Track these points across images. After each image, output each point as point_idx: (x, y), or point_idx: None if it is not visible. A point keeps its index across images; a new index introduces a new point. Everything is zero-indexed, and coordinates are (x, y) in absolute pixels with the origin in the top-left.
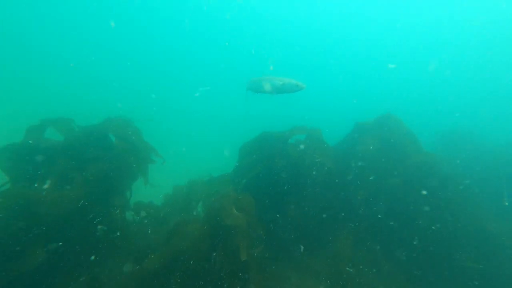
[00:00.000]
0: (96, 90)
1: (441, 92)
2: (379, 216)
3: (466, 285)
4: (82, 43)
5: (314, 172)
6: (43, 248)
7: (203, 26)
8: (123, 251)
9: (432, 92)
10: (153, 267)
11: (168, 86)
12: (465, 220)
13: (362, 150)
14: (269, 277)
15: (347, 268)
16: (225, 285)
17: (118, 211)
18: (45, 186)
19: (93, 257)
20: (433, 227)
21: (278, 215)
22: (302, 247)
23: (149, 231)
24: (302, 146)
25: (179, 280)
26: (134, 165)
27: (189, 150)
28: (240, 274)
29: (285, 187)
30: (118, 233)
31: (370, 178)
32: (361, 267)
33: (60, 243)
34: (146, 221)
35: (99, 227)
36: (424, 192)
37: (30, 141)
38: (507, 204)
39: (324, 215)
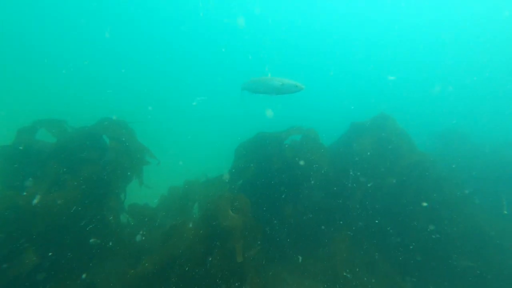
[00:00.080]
0: (95, 91)
1: (439, 92)
2: (375, 217)
3: (463, 285)
4: (80, 44)
5: (309, 173)
6: (35, 253)
7: (200, 31)
8: (118, 255)
9: (429, 93)
10: (149, 271)
11: (166, 86)
12: (460, 220)
13: (357, 150)
14: (266, 279)
15: (344, 273)
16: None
17: (111, 217)
18: (37, 190)
19: (87, 262)
20: (428, 228)
21: (274, 217)
22: (298, 250)
23: (144, 234)
24: (298, 147)
25: (175, 283)
26: (128, 167)
27: (188, 150)
28: (236, 276)
29: (281, 189)
30: (112, 238)
31: (366, 179)
32: (357, 269)
33: (53, 248)
34: (141, 223)
35: (92, 239)
36: (420, 193)
37: (21, 144)
38: (505, 212)
39: (320, 217)
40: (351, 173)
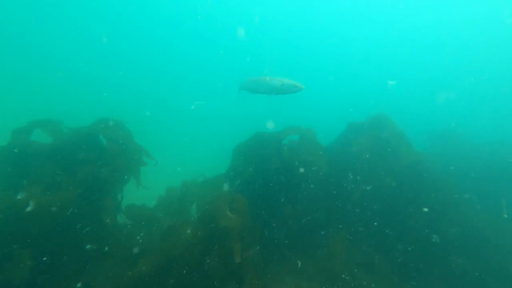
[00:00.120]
0: (91, 92)
1: (436, 92)
2: (374, 217)
3: (462, 286)
4: (78, 45)
5: (307, 174)
6: (30, 256)
7: (198, 33)
8: (115, 256)
9: (434, 101)
10: (146, 272)
11: (165, 88)
12: (458, 220)
13: (355, 151)
14: (264, 280)
15: (343, 275)
16: None
17: (108, 218)
18: (32, 192)
19: (84, 264)
20: (427, 229)
21: (272, 217)
22: (297, 250)
23: (142, 235)
24: (296, 147)
25: (173, 284)
26: (126, 168)
27: (187, 151)
28: (235, 277)
29: (279, 189)
30: (109, 240)
31: (364, 180)
32: (356, 270)
33: (48, 251)
34: (138, 224)
35: (88, 241)
36: (418, 194)
37: (16, 145)
38: (506, 216)
39: (319, 217)
40: (349, 174)
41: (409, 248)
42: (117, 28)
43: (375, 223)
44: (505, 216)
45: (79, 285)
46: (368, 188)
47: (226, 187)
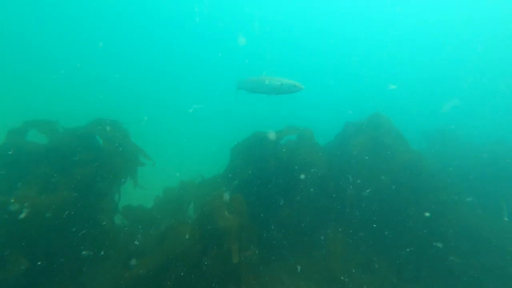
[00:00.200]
0: (88, 94)
1: (441, 97)
2: (372, 217)
3: (459, 285)
4: (74, 46)
5: (305, 174)
6: (26, 258)
7: (196, 35)
8: (112, 257)
9: (426, 92)
10: (144, 273)
11: (162, 89)
12: (456, 220)
13: (352, 150)
14: (262, 280)
15: (341, 276)
16: None
17: (105, 220)
18: (27, 193)
19: (80, 266)
20: (424, 229)
21: (270, 217)
22: (295, 251)
23: (139, 236)
24: (293, 147)
25: (170, 285)
26: (122, 168)
27: (184, 151)
28: (233, 278)
29: (277, 189)
30: (106, 241)
31: (361, 180)
32: (353, 271)
33: (44, 253)
34: (135, 225)
35: (85, 243)
36: (415, 193)
37: (11, 145)
38: (506, 219)
39: (317, 217)
40: (346, 174)
41: (408, 250)
42: (114, 29)
43: (374, 223)
44: (505, 219)
45: None
46: (365, 187)
47: (224, 187)
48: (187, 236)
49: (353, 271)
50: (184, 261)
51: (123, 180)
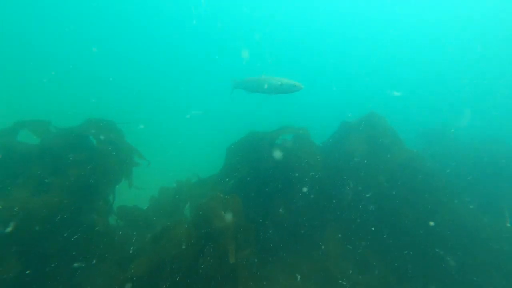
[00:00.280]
0: (84, 95)
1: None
2: (369, 217)
3: (454, 285)
4: (70, 45)
5: (301, 173)
6: (17, 261)
7: (193, 38)
8: (107, 259)
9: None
10: (139, 275)
11: (160, 90)
12: (451, 219)
13: (348, 150)
14: (258, 280)
15: (339, 276)
16: None
17: (100, 221)
18: (19, 195)
19: (74, 270)
20: (421, 230)
21: (266, 217)
22: (292, 250)
23: (134, 237)
24: (289, 146)
25: (167, 286)
26: (117, 169)
27: (183, 151)
28: (229, 278)
29: (273, 189)
30: (101, 243)
31: (358, 179)
32: (351, 272)
33: (36, 256)
34: (130, 226)
35: (79, 245)
36: (411, 192)
37: (1, 146)
38: (508, 225)
39: (314, 217)
40: (342, 173)
41: (405, 250)
42: (108, 31)
43: (371, 223)
44: (508, 225)
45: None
46: (362, 187)
47: (219, 187)
48: (183, 237)
49: (350, 272)
50: (180, 262)
51: (117, 180)
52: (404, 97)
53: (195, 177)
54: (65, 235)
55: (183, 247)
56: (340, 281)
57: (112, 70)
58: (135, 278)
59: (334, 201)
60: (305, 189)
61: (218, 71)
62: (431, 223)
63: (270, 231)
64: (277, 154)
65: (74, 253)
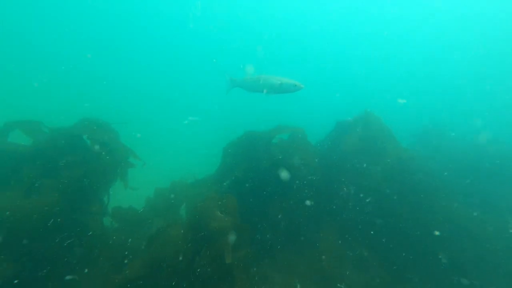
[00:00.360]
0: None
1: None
2: (366, 217)
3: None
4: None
5: (297, 173)
6: (11, 264)
7: (191, 41)
8: (101, 262)
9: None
10: (135, 276)
11: (158, 89)
12: (449, 220)
13: (344, 149)
14: (255, 280)
15: (336, 276)
16: None
17: (94, 223)
18: (10, 197)
19: (69, 271)
20: (418, 230)
21: (263, 217)
22: (288, 250)
23: (130, 238)
24: (286, 146)
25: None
26: (112, 170)
27: (181, 151)
28: (226, 278)
29: (270, 188)
30: (96, 245)
31: (354, 179)
32: (347, 272)
33: (32, 259)
34: (125, 227)
35: (73, 248)
36: (408, 191)
37: None
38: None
39: (310, 217)
40: (339, 174)
41: (402, 250)
42: (102, 34)
43: (368, 224)
44: (511, 231)
45: None
46: (358, 187)
47: (215, 187)
48: (179, 239)
49: (347, 272)
50: (176, 263)
51: (112, 181)
52: (403, 96)
53: (191, 177)
54: (58, 238)
55: (179, 249)
56: (337, 281)
57: (106, 73)
58: (130, 281)
59: (330, 201)
60: (301, 189)
61: (217, 71)
62: (429, 224)
63: (266, 231)
64: (274, 153)
65: (68, 256)
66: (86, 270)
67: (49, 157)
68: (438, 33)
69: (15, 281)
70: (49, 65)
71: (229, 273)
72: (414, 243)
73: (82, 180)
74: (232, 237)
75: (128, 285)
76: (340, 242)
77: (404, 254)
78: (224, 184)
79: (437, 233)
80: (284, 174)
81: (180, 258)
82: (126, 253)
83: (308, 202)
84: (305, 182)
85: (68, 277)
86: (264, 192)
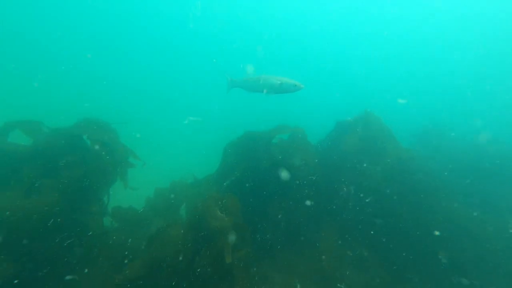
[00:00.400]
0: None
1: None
2: (366, 217)
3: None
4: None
5: (298, 173)
6: (10, 264)
7: (190, 42)
8: (101, 262)
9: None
10: (135, 276)
11: (156, 87)
12: (448, 220)
13: (344, 149)
14: (255, 280)
15: (336, 275)
16: None
17: (93, 226)
18: (10, 197)
19: (69, 271)
20: (417, 231)
21: (263, 217)
22: (288, 250)
23: (129, 238)
24: (285, 146)
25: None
26: (112, 170)
27: (182, 150)
28: (226, 278)
29: (270, 188)
30: (96, 245)
31: (354, 180)
32: (347, 273)
33: (31, 259)
34: (125, 227)
35: (73, 248)
36: (408, 191)
37: None
38: None
39: (310, 216)
40: (339, 173)
41: (402, 250)
42: (102, 35)
43: (368, 224)
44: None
45: None
46: (358, 187)
47: (216, 187)
48: (179, 238)
49: (347, 272)
50: (176, 263)
51: (112, 181)
52: (404, 96)
53: (191, 177)
54: (58, 238)
55: (179, 248)
56: (337, 281)
57: (106, 73)
58: (130, 281)
59: (330, 201)
60: (301, 189)
61: (217, 71)
62: (429, 224)
63: (266, 231)
64: (274, 153)
65: (67, 256)
66: (86, 270)
67: (49, 157)
68: (438, 33)
69: (15, 281)
70: (49, 65)
71: (229, 272)
72: (414, 243)
73: (82, 180)
74: (232, 237)
75: (128, 285)
76: (340, 242)
77: (404, 254)
78: (224, 184)
79: (437, 233)
80: (284, 174)
81: (180, 258)
82: (126, 253)
83: (308, 202)
84: (305, 182)
85: (68, 277)
86: (264, 192)
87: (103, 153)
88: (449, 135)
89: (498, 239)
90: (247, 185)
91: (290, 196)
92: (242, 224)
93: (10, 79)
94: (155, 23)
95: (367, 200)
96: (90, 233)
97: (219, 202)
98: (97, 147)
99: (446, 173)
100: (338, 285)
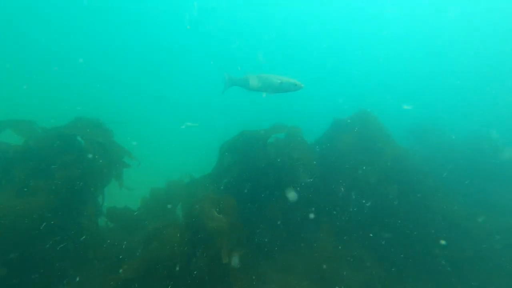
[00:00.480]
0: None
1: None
2: (363, 218)
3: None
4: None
5: (294, 172)
6: (2, 265)
7: (188, 43)
8: (97, 263)
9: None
10: (130, 277)
11: (155, 87)
12: (446, 220)
13: (341, 148)
14: (253, 281)
15: (333, 275)
16: None
17: (89, 225)
18: (2, 198)
19: (63, 274)
20: (415, 231)
21: (260, 217)
22: (286, 250)
23: (125, 240)
24: (282, 145)
25: None
26: (106, 170)
27: (178, 149)
28: (223, 278)
29: (266, 188)
30: (90, 247)
31: (352, 179)
32: (346, 273)
33: (24, 261)
34: (121, 228)
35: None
36: (405, 190)
37: None
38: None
39: (307, 216)
40: (336, 173)
41: (400, 251)
42: (106, 34)
43: (366, 224)
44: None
45: None
46: (355, 187)
47: (212, 187)
48: (175, 239)
49: (346, 273)
50: (172, 264)
51: (107, 182)
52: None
53: (187, 177)
54: (51, 239)
55: (176, 249)
56: (335, 281)
57: (101, 74)
58: (125, 283)
59: (328, 200)
60: (298, 189)
61: (215, 73)
62: (428, 223)
63: (264, 231)
64: (270, 153)
65: (61, 257)
66: (80, 272)
67: (42, 157)
68: (438, 33)
69: (8, 284)
70: (44, 64)
71: (226, 273)
72: (413, 243)
73: (76, 180)
74: (229, 237)
75: (124, 287)
76: (338, 242)
77: (403, 255)
78: (221, 183)
79: (436, 233)
80: (280, 174)
81: (177, 259)
82: (121, 255)
83: (305, 202)
84: (302, 181)
85: (64, 271)
86: (261, 192)
87: (98, 153)
88: (449, 135)
89: (498, 239)
90: (243, 185)
91: (287, 196)
92: (239, 224)
93: (2, 78)
94: (155, 23)
95: (364, 200)
96: (84, 234)
97: (216, 203)
98: (91, 147)
99: (445, 174)
100: (335, 281)
